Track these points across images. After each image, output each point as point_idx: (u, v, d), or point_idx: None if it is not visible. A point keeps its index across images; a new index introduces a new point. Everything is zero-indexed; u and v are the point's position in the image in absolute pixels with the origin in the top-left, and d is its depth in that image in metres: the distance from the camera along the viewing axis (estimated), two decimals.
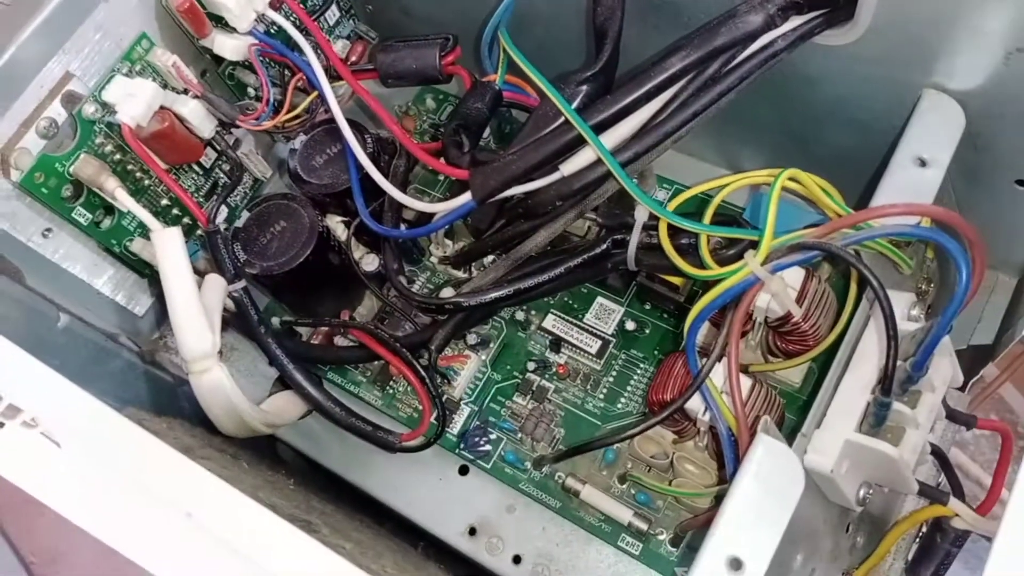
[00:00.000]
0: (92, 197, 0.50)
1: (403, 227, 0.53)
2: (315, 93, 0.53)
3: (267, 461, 0.55)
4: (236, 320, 0.53)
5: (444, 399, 0.52)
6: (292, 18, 0.53)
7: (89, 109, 0.48)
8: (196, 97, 0.51)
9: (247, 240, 0.53)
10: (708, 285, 0.43)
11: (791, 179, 0.43)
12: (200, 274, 0.50)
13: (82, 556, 0.85)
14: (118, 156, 0.50)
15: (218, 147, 0.56)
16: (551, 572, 0.50)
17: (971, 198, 0.49)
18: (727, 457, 0.42)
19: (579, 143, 0.45)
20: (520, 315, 0.56)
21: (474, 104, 0.51)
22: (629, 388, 0.53)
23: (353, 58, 0.57)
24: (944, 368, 0.43)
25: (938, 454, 0.47)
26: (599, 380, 0.54)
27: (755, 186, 0.55)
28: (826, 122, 0.50)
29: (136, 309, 0.57)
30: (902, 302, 0.42)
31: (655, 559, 0.48)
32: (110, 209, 0.52)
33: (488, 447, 0.52)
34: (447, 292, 0.52)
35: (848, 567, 0.48)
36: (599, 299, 0.56)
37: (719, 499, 0.46)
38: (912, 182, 0.43)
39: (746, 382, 0.44)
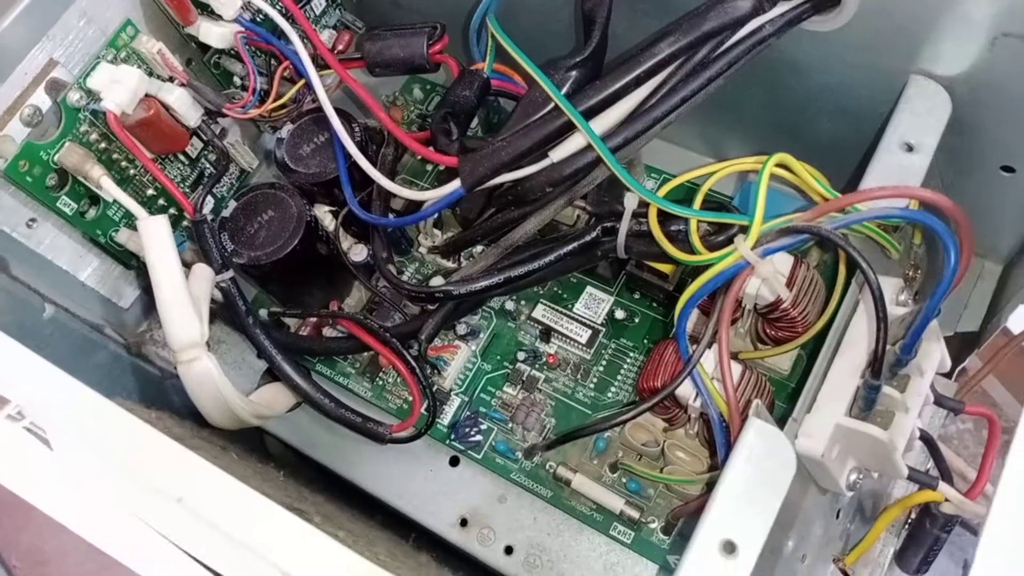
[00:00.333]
0: (77, 186, 0.50)
1: (391, 216, 0.53)
2: (302, 82, 0.53)
3: (256, 454, 0.55)
4: (223, 311, 0.52)
5: (434, 389, 0.52)
6: (278, 6, 0.53)
7: (74, 96, 0.47)
8: (182, 85, 0.51)
9: (234, 230, 0.52)
10: (697, 272, 0.43)
11: (780, 164, 0.43)
12: (187, 265, 0.49)
13: (67, 559, 0.85)
14: (103, 145, 0.50)
15: (204, 136, 0.55)
16: (543, 562, 0.50)
17: (957, 184, 0.49)
18: (718, 443, 0.42)
19: (568, 129, 0.45)
20: (510, 305, 0.55)
21: (462, 92, 0.51)
22: (619, 377, 0.53)
23: (340, 47, 0.57)
24: (932, 353, 0.43)
25: (927, 440, 0.47)
26: (589, 369, 0.53)
27: (743, 175, 0.56)
28: (813, 109, 0.51)
29: (121, 302, 0.57)
30: (890, 287, 0.42)
31: (647, 547, 0.48)
32: (95, 199, 0.51)
33: (479, 437, 0.52)
34: (437, 281, 0.52)
35: (839, 553, 0.48)
36: (588, 289, 0.56)
37: (710, 486, 0.46)
38: (899, 166, 0.43)
39: (736, 368, 0.44)
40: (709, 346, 0.43)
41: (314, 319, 0.55)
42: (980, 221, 0.52)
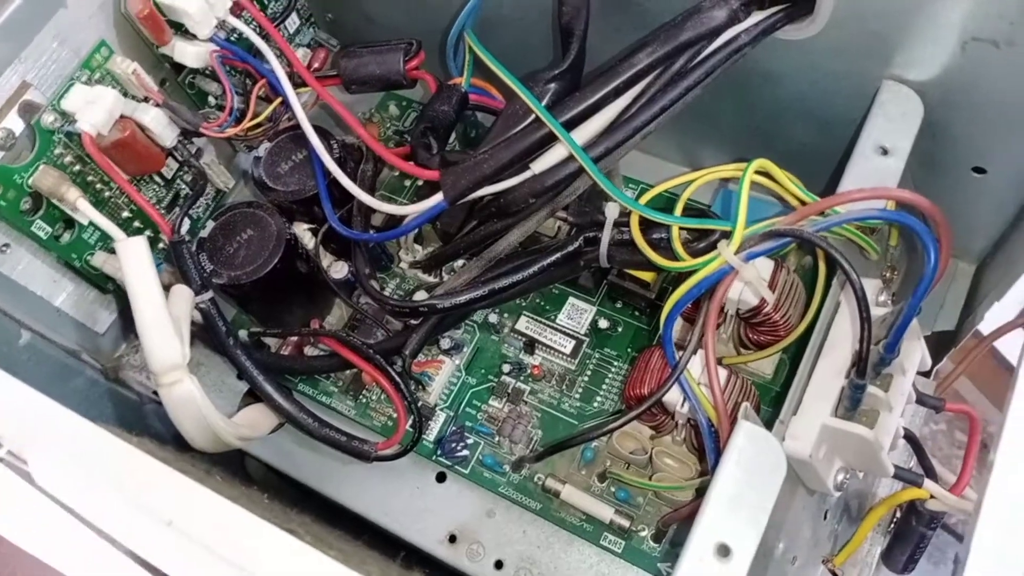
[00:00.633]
0: (52, 210, 0.49)
1: (372, 232, 0.53)
2: (278, 100, 0.52)
3: (239, 477, 0.54)
4: (203, 333, 0.52)
5: (419, 405, 0.51)
6: (253, 25, 0.53)
7: (48, 118, 0.47)
8: (157, 105, 0.50)
9: (213, 250, 0.52)
10: (680, 279, 0.44)
11: (759, 171, 0.43)
12: (164, 288, 0.49)
13: None
14: (78, 167, 0.49)
15: (180, 157, 0.55)
16: (534, 575, 0.49)
17: (930, 186, 0.50)
18: (708, 448, 0.42)
19: (550, 141, 0.45)
20: (493, 318, 0.55)
21: (441, 107, 0.51)
22: (604, 386, 0.53)
23: (316, 65, 0.57)
24: (914, 351, 0.43)
25: (910, 438, 0.48)
26: (574, 380, 0.54)
27: (721, 183, 0.56)
28: (789, 117, 0.51)
29: (96, 327, 0.56)
30: (869, 288, 0.43)
31: (638, 556, 0.48)
32: (70, 222, 0.50)
33: (466, 452, 0.52)
34: (420, 296, 0.52)
35: (828, 554, 0.48)
36: (571, 299, 0.56)
37: (700, 492, 0.47)
38: (875, 169, 0.44)
39: (723, 373, 0.44)
40: (696, 351, 0.43)
41: (295, 338, 0.55)
42: (953, 222, 0.53)
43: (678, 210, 0.45)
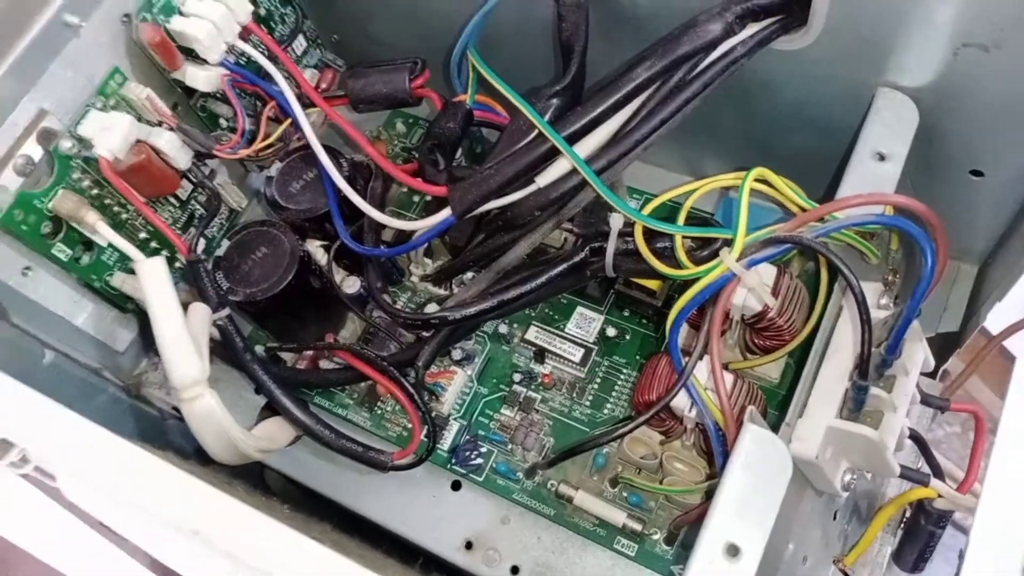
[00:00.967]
0: (71, 233, 0.50)
1: (383, 248, 0.54)
2: (288, 121, 0.54)
3: (260, 489, 0.55)
4: (221, 349, 0.53)
5: (433, 415, 0.53)
6: (261, 48, 0.54)
7: (66, 144, 0.48)
8: (171, 129, 0.52)
9: (229, 268, 0.53)
10: (685, 286, 0.45)
11: (759, 179, 0.44)
12: (183, 306, 0.50)
13: None
14: (96, 191, 0.50)
15: (194, 178, 0.56)
16: None
17: (930, 191, 0.51)
18: (716, 451, 0.43)
19: (553, 154, 0.47)
20: (503, 328, 0.56)
21: (447, 123, 0.52)
22: (614, 393, 0.54)
23: (324, 85, 0.58)
24: (916, 352, 0.44)
25: (916, 438, 0.48)
26: (584, 387, 0.55)
27: (723, 191, 0.57)
28: (787, 125, 0.52)
29: (116, 345, 0.57)
30: (871, 292, 0.44)
31: (651, 559, 0.49)
32: (89, 245, 0.52)
33: (480, 460, 0.53)
34: (432, 308, 0.53)
35: (838, 554, 0.49)
36: (579, 308, 0.57)
37: (709, 495, 0.47)
38: (873, 175, 0.45)
39: (728, 378, 0.45)
40: (701, 357, 0.44)
41: (311, 352, 0.56)
42: (954, 224, 0.53)
43: (681, 219, 0.46)
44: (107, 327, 0.56)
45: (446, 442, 0.54)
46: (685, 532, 0.49)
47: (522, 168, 0.47)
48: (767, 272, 0.46)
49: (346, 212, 0.54)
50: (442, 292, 0.57)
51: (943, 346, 0.56)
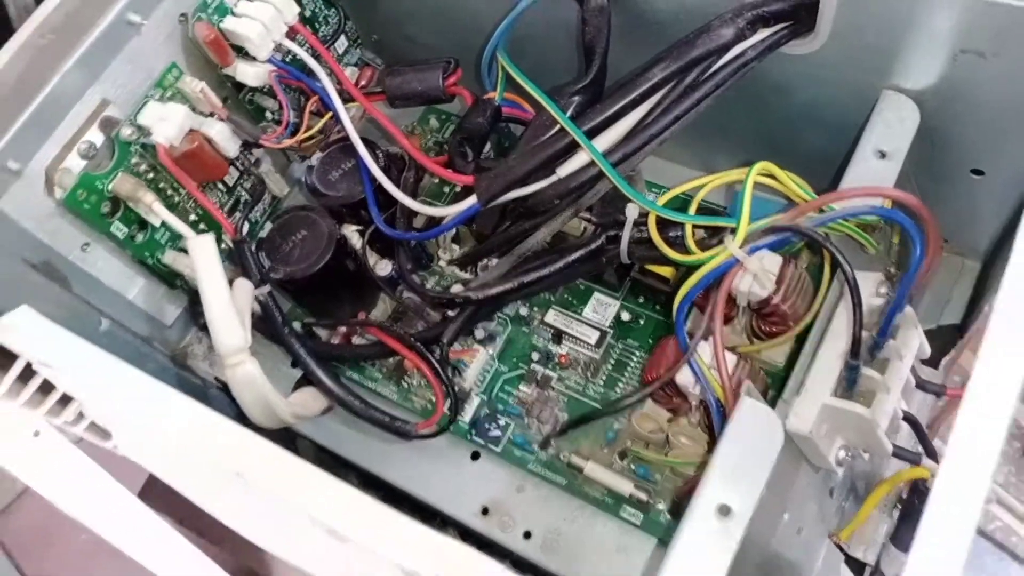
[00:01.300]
0: (128, 213, 0.54)
1: (414, 232, 0.58)
2: (329, 114, 0.57)
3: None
4: (261, 323, 0.57)
5: (456, 389, 0.56)
6: (306, 47, 0.58)
7: (127, 131, 0.52)
8: (222, 120, 0.56)
9: (271, 248, 0.57)
10: (693, 271, 0.48)
11: (765, 173, 0.47)
12: (228, 282, 0.54)
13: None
14: (151, 175, 0.54)
15: (241, 166, 0.60)
16: (559, 545, 0.53)
17: (934, 191, 0.53)
18: (716, 425, 0.46)
19: (574, 148, 0.50)
20: (524, 311, 0.60)
21: (476, 119, 0.56)
22: (627, 374, 0.57)
23: (363, 82, 0.62)
24: (911, 339, 0.46)
25: (911, 421, 0.51)
26: (598, 368, 0.58)
27: (733, 186, 0.60)
28: (797, 124, 0.55)
29: (165, 319, 0.61)
30: (871, 281, 0.46)
31: (655, 527, 0.52)
32: (143, 224, 0.56)
33: (498, 432, 0.56)
34: (457, 288, 0.56)
35: (834, 530, 0.52)
36: (596, 294, 0.60)
37: None
38: (873, 171, 0.47)
39: (731, 358, 0.48)
40: (705, 337, 0.47)
41: (344, 328, 0.60)
42: (958, 222, 0.56)
43: (691, 210, 0.49)
44: (157, 302, 0.60)
45: (467, 415, 0.57)
46: (687, 502, 0.52)
47: (544, 160, 0.50)
48: (773, 262, 0.49)
49: (380, 200, 0.57)
50: (467, 276, 0.61)
51: (945, 338, 0.58)
